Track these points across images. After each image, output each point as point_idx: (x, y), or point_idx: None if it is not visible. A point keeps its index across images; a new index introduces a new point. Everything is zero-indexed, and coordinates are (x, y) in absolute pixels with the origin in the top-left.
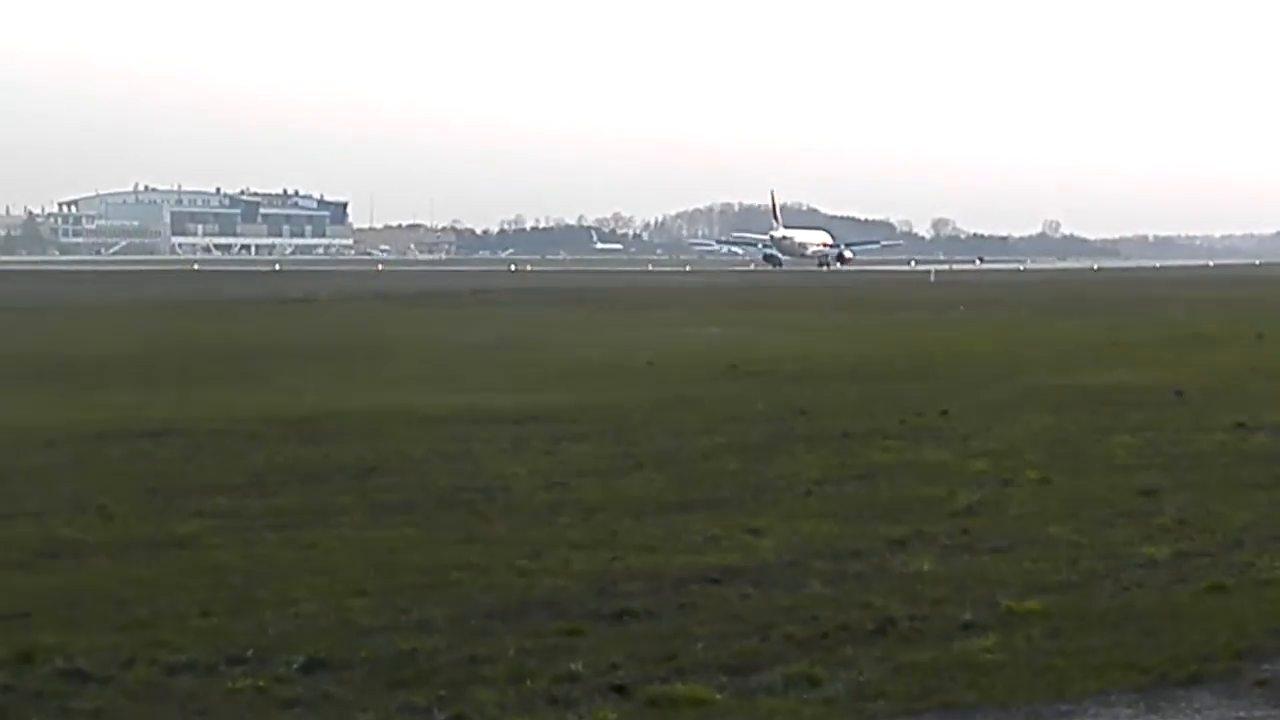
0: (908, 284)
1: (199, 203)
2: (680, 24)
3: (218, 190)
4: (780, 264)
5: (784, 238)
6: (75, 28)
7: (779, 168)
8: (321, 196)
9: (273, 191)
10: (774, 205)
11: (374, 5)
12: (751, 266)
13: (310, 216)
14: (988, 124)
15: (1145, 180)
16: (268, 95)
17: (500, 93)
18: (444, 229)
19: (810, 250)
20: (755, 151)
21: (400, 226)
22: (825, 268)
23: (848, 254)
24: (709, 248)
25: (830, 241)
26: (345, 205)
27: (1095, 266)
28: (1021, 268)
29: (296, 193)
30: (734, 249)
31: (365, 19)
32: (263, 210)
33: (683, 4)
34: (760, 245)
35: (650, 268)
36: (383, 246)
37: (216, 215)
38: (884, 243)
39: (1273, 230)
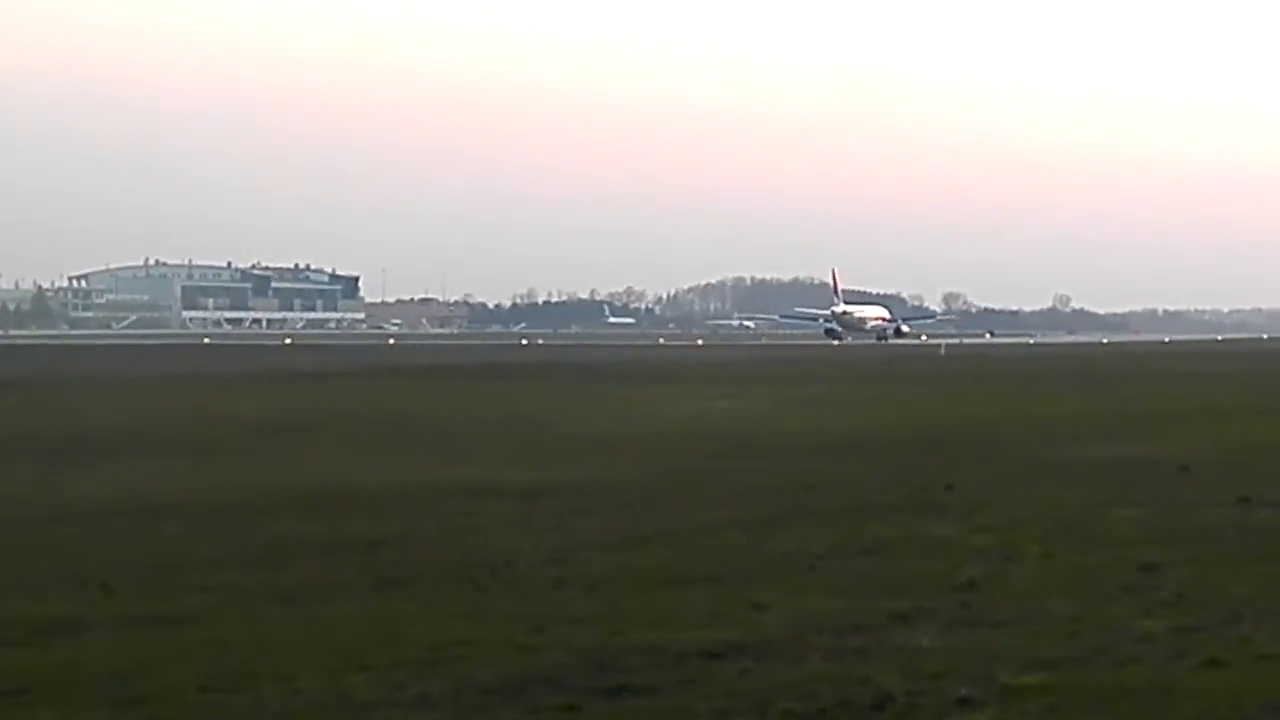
0: (920, 357)
1: (210, 277)
2: (689, 97)
3: (229, 264)
4: (841, 338)
5: (844, 313)
6: (84, 101)
7: (790, 242)
8: (333, 270)
9: (284, 265)
10: (835, 282)
11: (385, 78)
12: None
13: (322, 290)
14: (999, 198)
15: (1154, 255)
16: (279, 168)
17: (513, 166)
18: (456, 303)
19: (869, 325)
20: (767, 225)
21: (412, 300)
22: (884, 341)
23: (905, 328)
24: (725, 323)
25: (888, 316)
26: (357, 279)
27: (1104, 340)
28: (1031, 341)
29: (308, 266)
30: (795, 323)
31: (378, 90)
32: (274, 284)
33: (690, 76)
34: (821, 320)
35: (662, 341)
36: (395, 320)
37: (227, 289)
38: (940, 317)
39: None
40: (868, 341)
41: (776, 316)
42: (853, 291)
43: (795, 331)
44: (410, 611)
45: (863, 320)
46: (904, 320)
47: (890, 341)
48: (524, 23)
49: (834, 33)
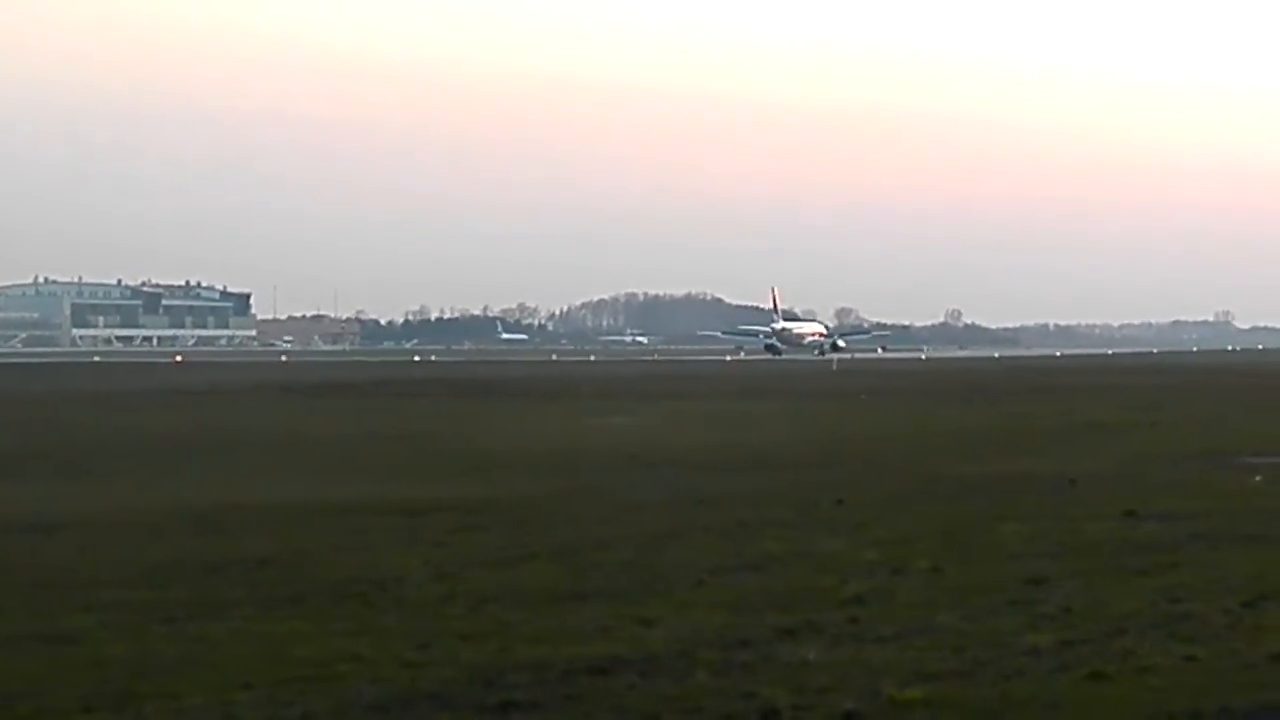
0: (813, 373)
1: (100, 294)
2: (578, 116)
3: (119, 281)
4: (780, 353)
5: (784, 329)
6: None
7: (682, 260)
8: (225, 287)
9: (175, 282)
10: (775, 300)
11: (275, 96)
12: (739, 354)
13: (213, 308)
14: (891, 214)
15: (1046, 270)
16: (170, 185)
17: (404, 184)
18: (348, 319)
19: (807, 340)
20: (658, 243)
21: (304, 317)
22: (821, 355)
23: (841, 343)
24: (617, 338)
25: (825, 332)
26: (248, 296)
27: (996, 355)
28: (923, 356)
29: (199, 283)
30: (737, 338)
31: (267, 107)
32: (165, 301)
33: (581, 97)
34: (761, 336)
35: (555, 357)
36: (286, 337)
37: (118, 307)
38: (873, 333)
39: (1169, 320)
40: (765, 358)
41: (719, 333)
42: (747, 308)
43: (715, 347)
44: (297, 629)
45: (801, 336)
46: (840, 336)
47: (827, 356)
48: (406, 41)
49: (703, 50)
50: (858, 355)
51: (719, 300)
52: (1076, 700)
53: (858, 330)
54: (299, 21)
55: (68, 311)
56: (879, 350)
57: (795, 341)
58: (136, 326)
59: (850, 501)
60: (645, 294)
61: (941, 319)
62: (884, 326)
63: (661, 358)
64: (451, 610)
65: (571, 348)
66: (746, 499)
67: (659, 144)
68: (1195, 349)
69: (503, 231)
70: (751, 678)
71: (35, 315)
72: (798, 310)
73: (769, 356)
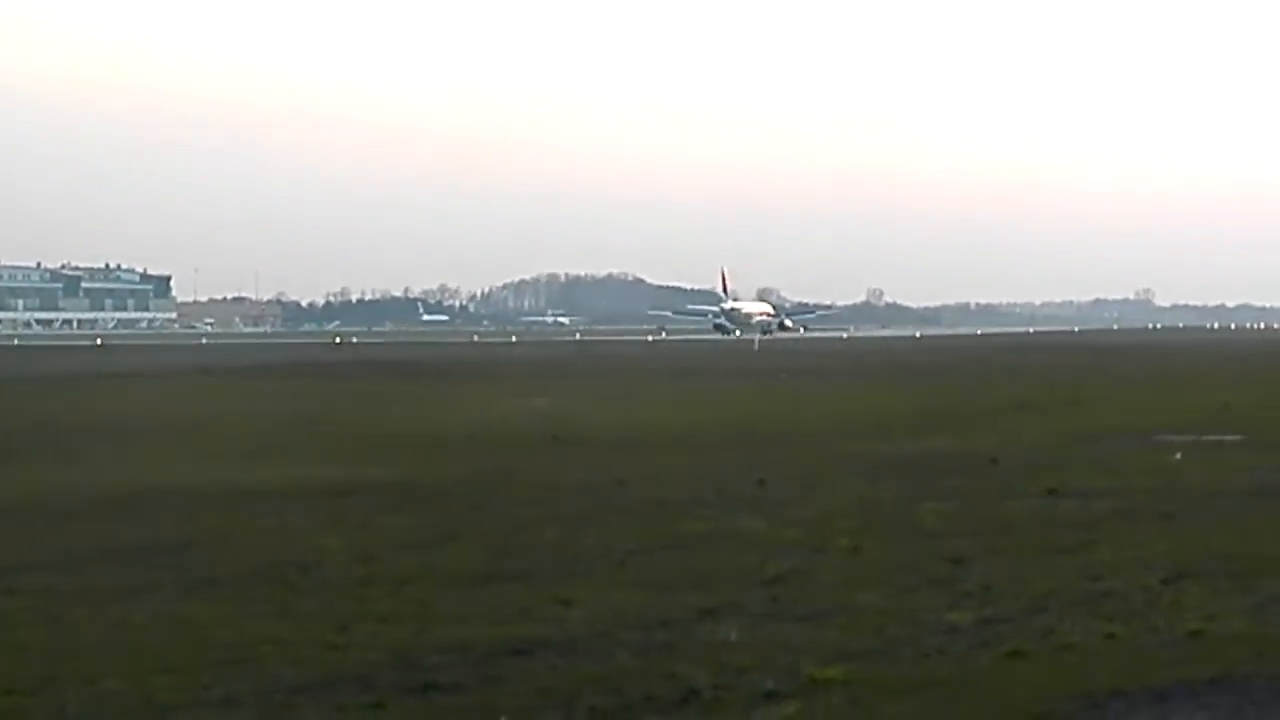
0: (733, 353)
1: (19, 278)
2: (495, 96)
3: (38, 264)
4: (729, 333)
5: (733, 309)
6: None
7: (606, 238)
8: (145, 270)
9: (95, 265)
10: (724, 281)
11: (191, 76)
12: (660, 335)
13: (133, 290)
14: (811, 192)
15: (967, 249)
16: (89, 167)
17: (323, 165)
18: (269, 302)
19: (755, 320)
20: (581, 222)
21: (225, 300)
22: (769, 335)
23: (788, 323)
24: (539, 319)
25: (772, 312)
26: (169, 279)
27: (918, 334)
28: (845, 335)
29: (119, 266)
30: (685, 318)
31: (185, 88)
32: (85, 284)
33: (506, 79)
34: (711, 316)
35: (476, 339)
36: (207, 320)
37: (37, 290)
38: (820, 312)
39: (1091, 298)
40: (689, 338)
41: (670, 312)
42: (669, 288)
43: (636, 328)
44: (217, 612)
45: (749, 316)
46: (786, 315)
47: (775, 335)
48: (329, 16)
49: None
50: (780, 336)
51: (640, 280)
52: (995, 678)
53: (805, 310)
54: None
55: None
56: (800, 330)
57: (744, 321)
58: (56, 310)
59: (771, 481)
60: (567, 274)
61: (863, 298)
62: (805, 306)
63: (584, 338)
64: (372, 592)
65: (493, 329)
66: (667, 479)
67: (579, 124)
68: (1116, 326)
69: (424, 212)
70: (672, 658)
71: None
72: (718, 289)
73: (692, 337)
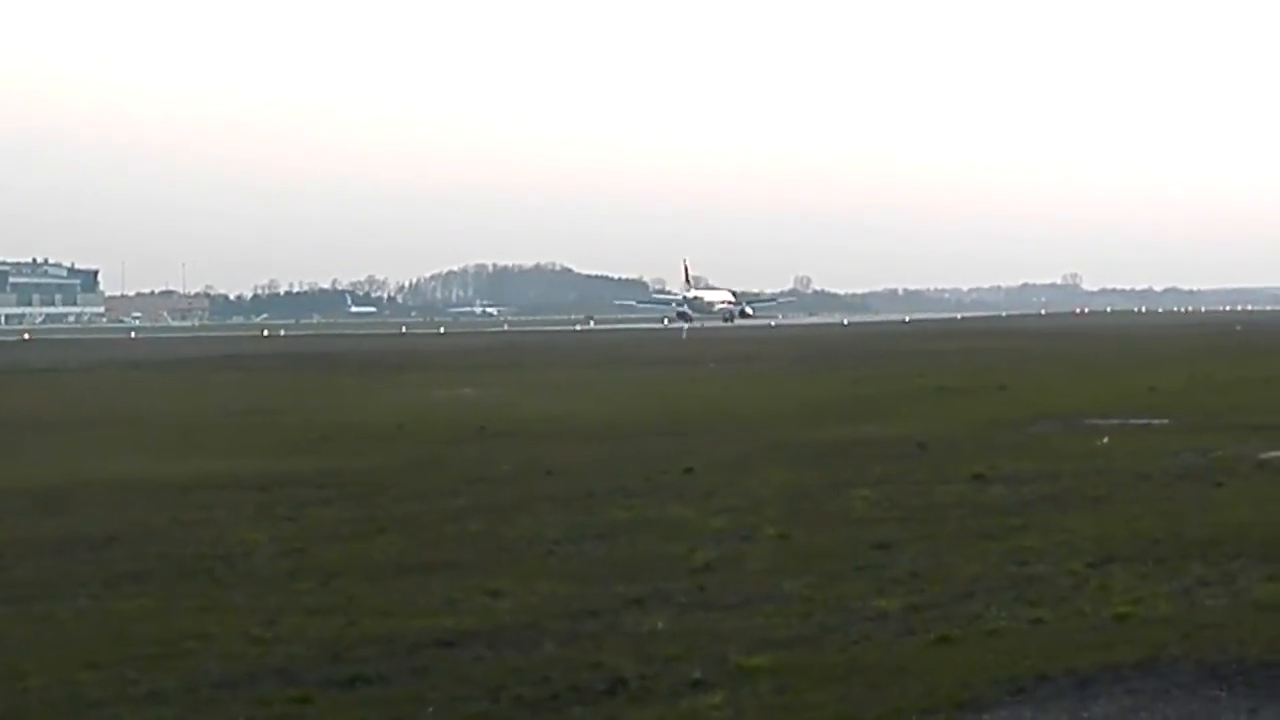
0: (661, 340)
1: None
2: (428, 90)
3: None
4: (691, 320)
5: (695, 297)
6: None
7: (531, 229)
8: (72, 264)
9: (21, 260)
10: (686, 271)
11: (117, 67)
12: (665, 323)
13: (60, 285)
14: (739, 179)
15: (894, 235)
16: (14, 160)
17: (249, 157)
18: (197, 295)
19: (716, 308)
20: (507, 213)
21: (153, 293)
22: (730, 322)
23: (748, 310)
24: (467, 310)
25: (733, 300)
26: (96, 273)
27: (845, 321)
28: (773, 323)
29: (46, 260)
30: (648, 307)
31: (111, 81)
32: (11, 279)
33: (430, 69)
34: (674, 304)
35: (404, 330)
36: (135, 314)
37: None
38: (780, 300)
39: (1018, 283)
40: (617, 327)
41: (634, 302)
42: (598, 278)
43: (567, 318)
44: (143, 607)
45: (711, 304)
46: (747, 303)
47: (736, 323)
48: (245, 13)
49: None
50: (707, 323)
51: (568, 270)
52: (923, 664)
53: (765, 299)
54: None
55: None
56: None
57: (706, 309)
58: None
59: (699, 469)
60: (494, 265)
61: (791, 285)
62: (734, 294)
63: (512, 328)
64: (299, 585)
65: (421, 320)
66: (595, 468)
67: (505, 115)
68: (1043, 311)
69: (351, 204)
70: (599, 647)
71: None
72: (646, 279)
73: (620, 327)
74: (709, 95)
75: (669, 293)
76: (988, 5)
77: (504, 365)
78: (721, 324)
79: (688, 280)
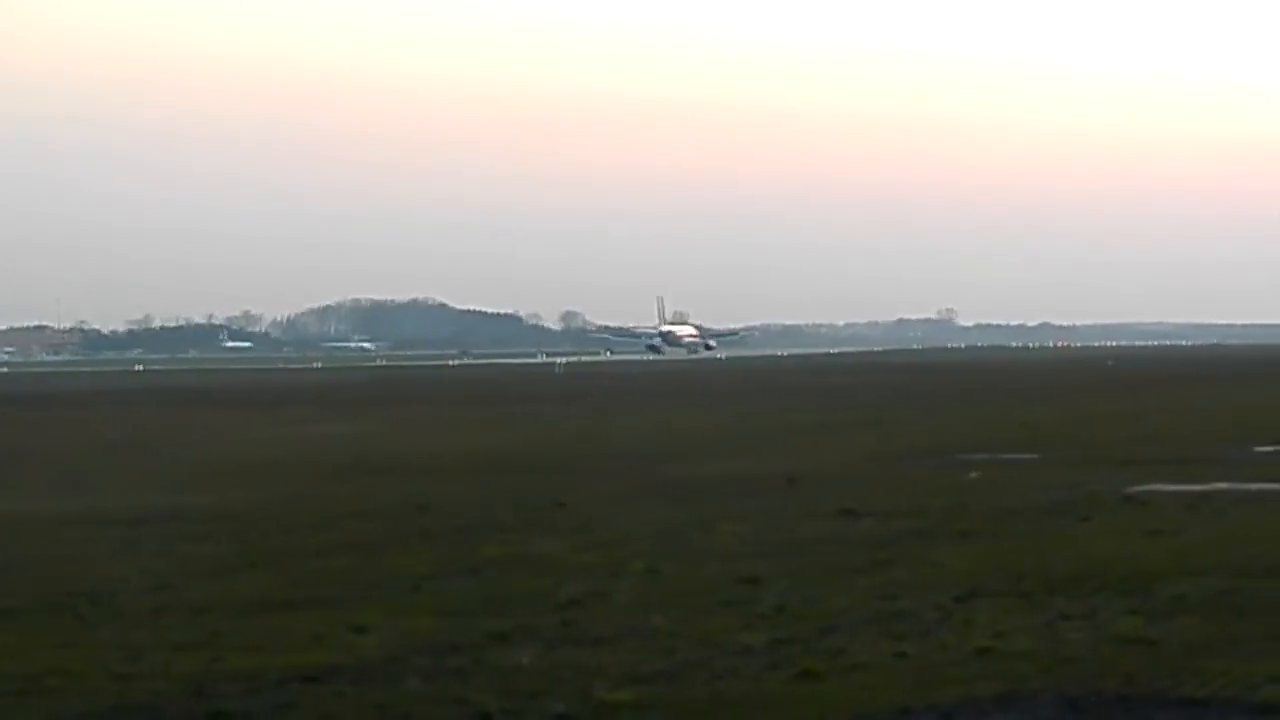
0: (535, 378)
1: None
2: (293, 115)
3: None
4: (663, 353)
5: (668, 331)
6: None
7: (408, 264)
8: None
9: None
10: (660, 307)
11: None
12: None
13: None
14: (613, 216)
15: (771, 270)
16: None
17: (124, 190)
18: (70, 329)
19: (685, 341)
20: (384, 248)
21: (25, 328)
22: (695, 355)
23: (712, 343)
24: (342, 345)
25: (697, 334)
26: None
27: (721, 355)
28: (649, 358)
29: None
30: (619, 340)
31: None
32: None
33: (305, 103)
34: (645, 339)
35: (279, 365)
36: (7, 349)
37: None
38: (741, 334)
39: (894, 318)
40: (490, 362)
41: (609, 335)
42: (472, 312)
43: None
44: (6, 644)
45: (680, 338)
46: (711, 337)
47: (700, 355)
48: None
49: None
50: (585, 358)
51: (444, 305)
52: (786, 699)
53: (728, 333)
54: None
55: None
56: (606, 353)
57: (676, 342)
58: None
59: (571, 504)
60: (370, 300)
61: (670, 319)
62: (608, 328)
63: (387, 363)
64: (166, 621)
65: (296, 355)
66: (467, 504)
67: (378, 148)
68: (918, 346)
69: (225, 239)
70: (463, 683)
71: None
72: (522, 314)
73: (496, 361)
74: (570, 131)
75: (629, 330)
76: (838, 52)
77: (379, 400)
78: (606, 358)
79: (660, 315)
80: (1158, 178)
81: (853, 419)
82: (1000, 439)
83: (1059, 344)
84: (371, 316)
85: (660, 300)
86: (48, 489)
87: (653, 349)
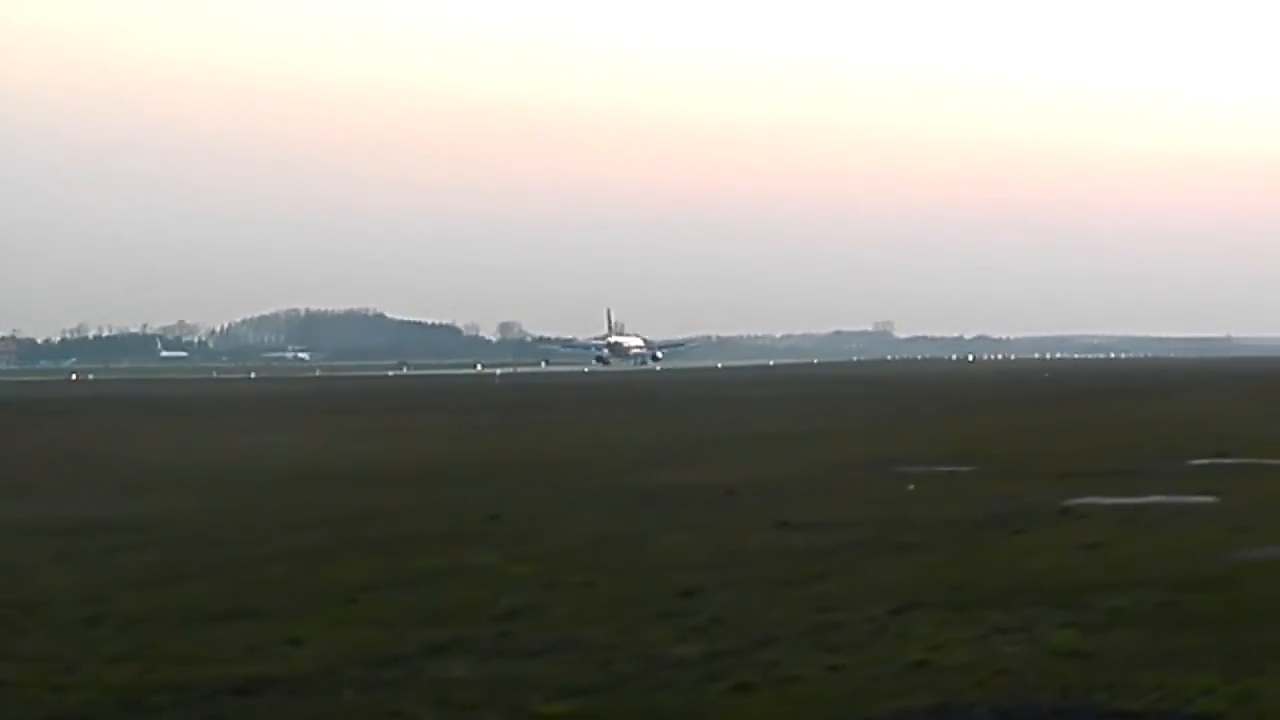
0: (473, 389)
1: None
2: (236, 132)
3: None
4: (609, 364)
5: (615, 342)
6: None
7: (346, 274)
8: None
9: None
10: (609, 318)
11: None
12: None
13: None
14: (550, 227)
15: (707, 282)
16: None
17: (58, 197)
18: (4, 339)
19: (632, 352)
20: (321, 257)
21: None
22: (643, 366)
23: (659, 354)
24: (279, 355)
25: (643, 346)
26: None
27: (658, 367)
28: (586, 369)
29: None
30: (569, 352)
31: None
32: None
33: (244, 112)
34: (593, 349)
35: (215, 375)
36: None
37: None
38: (688, 345)
39: (829, 330)
40: (433, 373)
41: (559, 346)
42: (410, 323)
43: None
44: None
45: (628, 349)
46: (658, 349)
47: (648, 366)
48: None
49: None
50: (520, 369)
51: (381, 316)
52: (720, 712)
53: (675, 344)
54: None
55: None
56: (543, 364)
57: (624, 354)
58: None
59: (507, 516)
60: (307, 310)
61: (605, 330)
62: (547, 339)
63: (324, 374)
64: (99, 632)
65: (233, 365)
66: (405, 514)
67: (316, 158)
68: (858, 358)
69: (161, 247)
70: (398, 695)
71: None
72: (460, 325)
73: (436, 372)
74: (508, 142)
75: (573, 341)
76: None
77: (316, 411)
78: (545, 369)
79: (610, 326)
80: (1095, 191)
81: (791, 430)
82: (938, 450)
83: (996, 356)
84: (308, 326)
85: (609, 312)
86: None
87: (600, 360)
